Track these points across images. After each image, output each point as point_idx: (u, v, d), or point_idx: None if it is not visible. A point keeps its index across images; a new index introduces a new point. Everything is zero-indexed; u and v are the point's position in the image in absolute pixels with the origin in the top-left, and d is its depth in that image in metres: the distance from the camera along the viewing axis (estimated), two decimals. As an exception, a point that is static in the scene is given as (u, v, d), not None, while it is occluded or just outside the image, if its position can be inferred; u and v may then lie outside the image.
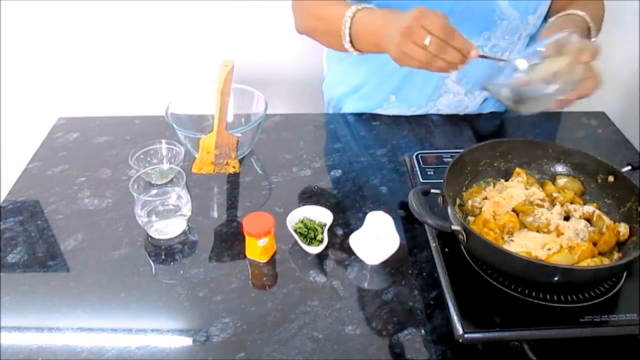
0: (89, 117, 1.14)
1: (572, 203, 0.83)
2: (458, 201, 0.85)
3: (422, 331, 0.72)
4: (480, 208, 0.82)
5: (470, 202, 0.84)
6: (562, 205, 0.82)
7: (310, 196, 0.94)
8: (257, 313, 0.74)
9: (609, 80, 1.42)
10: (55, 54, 1.49)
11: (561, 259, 0.73)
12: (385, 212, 0.82)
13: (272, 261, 0.82)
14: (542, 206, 0.82)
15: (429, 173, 0.95)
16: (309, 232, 0.83)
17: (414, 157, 0.99)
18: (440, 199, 0.81)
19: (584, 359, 0.70)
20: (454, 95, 1.15)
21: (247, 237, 0.80)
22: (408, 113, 1.17)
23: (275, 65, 1.53)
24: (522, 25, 1.05)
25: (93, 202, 0.92)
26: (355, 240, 0.81)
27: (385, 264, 0.81)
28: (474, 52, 0.78)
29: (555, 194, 0.84)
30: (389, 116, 1.16)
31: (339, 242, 0.85)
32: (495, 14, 1.03)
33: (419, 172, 0.95)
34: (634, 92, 1.36)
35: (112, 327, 0.72)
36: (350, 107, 1.21)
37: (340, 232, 0.86)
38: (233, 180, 0.98)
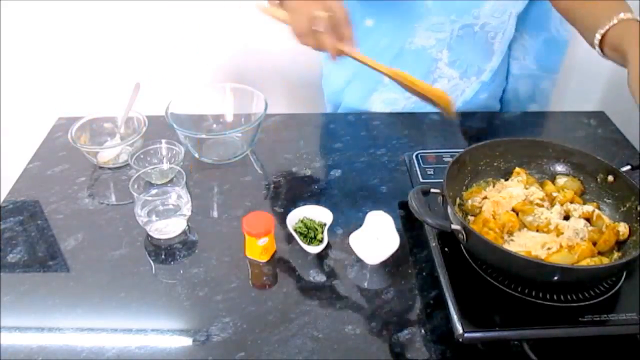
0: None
1: (571, 202, 0.83)
2: (458, 201, 0.85)
3: (422, 331, 0.72)
4: (480, 207, 0.82)
5: (470, 201, 0.84)
6: (561, 205, 0.82)
7: (310, 196, 0.94)
8: (257, 313, 0.74)
9: (609, 80, 1.43)
10: (55, 54, 1.49)
11: (561, 259, 0.73)
12: (385, 212, 0.82)
13: (272, 261, 0.82)
14: (542, 206, 0.82)
15: (428, 172, 0.95)
16: (309, 231, 0.83)
17: (413, 156, 0.99)
18: (440, 199, 0.81)
19: (583, 358, 0.71)
20: (449, 80, 1.14)
21: (247, 237, 0.80)
22: (403, 101, 1.16)
23: (275, 65, 1.53)
24: (511, 3, 1.04)
25: (93, 202, 0.92)
26: (355, 240, 0.81)
27: (385, 263, 0.81)
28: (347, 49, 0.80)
29: (555, 194, 0.84)
30: (388, 116, 1.17)
31: (339, 242, 0.85)
32: None
33: (418, 172, 0.95)
34: (634, 92, 1.36)
35: (112, 327, 0.73)
36: (349, 97, 1.21)
37: (340, 232, 0.87)
38: (233, 180, 0.98)
